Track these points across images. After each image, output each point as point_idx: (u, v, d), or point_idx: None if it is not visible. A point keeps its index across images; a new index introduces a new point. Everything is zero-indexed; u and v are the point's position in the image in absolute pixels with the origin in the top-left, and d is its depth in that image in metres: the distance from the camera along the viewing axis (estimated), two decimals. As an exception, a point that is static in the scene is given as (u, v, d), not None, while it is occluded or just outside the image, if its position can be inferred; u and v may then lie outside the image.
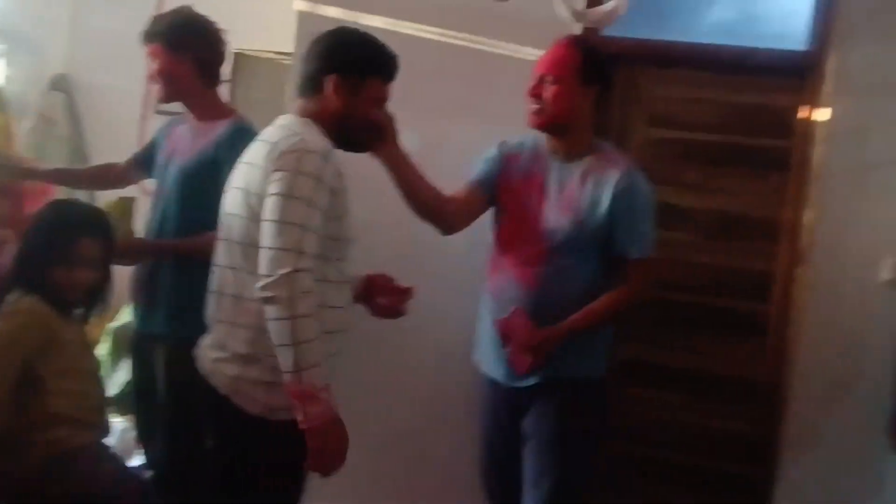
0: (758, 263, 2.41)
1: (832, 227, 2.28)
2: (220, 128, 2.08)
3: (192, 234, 2.02)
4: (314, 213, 1.53)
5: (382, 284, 1.90)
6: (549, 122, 1.93)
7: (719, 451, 2.45)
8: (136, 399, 2.23)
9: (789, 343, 2.34)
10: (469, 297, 2.13)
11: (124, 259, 2.07)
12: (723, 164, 2.42)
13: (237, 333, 1.61)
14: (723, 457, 2.45)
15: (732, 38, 2.40)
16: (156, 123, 2.52)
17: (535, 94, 1.93)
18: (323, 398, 1.50)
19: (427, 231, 2.07)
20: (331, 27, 1.78)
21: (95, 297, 1.99)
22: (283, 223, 1.50)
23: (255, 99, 2.68)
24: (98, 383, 2.03)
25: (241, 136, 1.97)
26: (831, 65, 2.27)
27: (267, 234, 1.52)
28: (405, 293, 1.90)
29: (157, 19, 2.11)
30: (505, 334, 1.89)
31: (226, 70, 2.30)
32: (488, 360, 2.02)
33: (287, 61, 2.56)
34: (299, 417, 1.50)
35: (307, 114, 1.67)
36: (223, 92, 2.34)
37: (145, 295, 2.13)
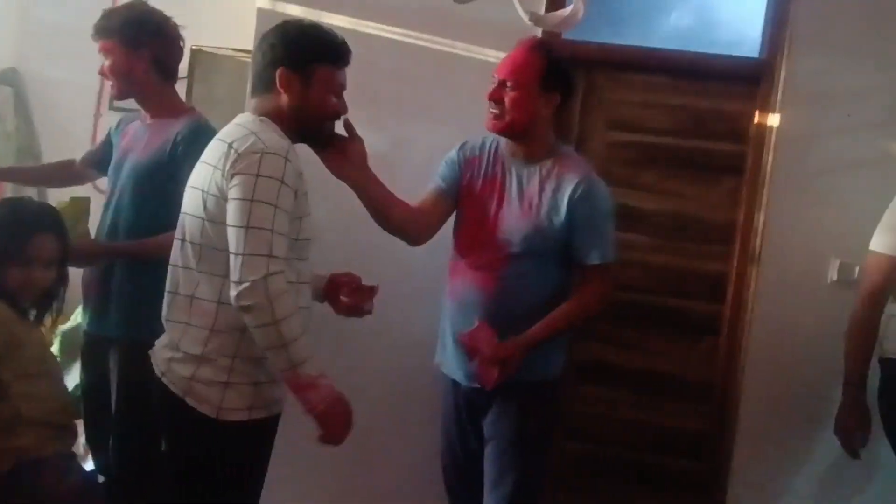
0: (711, 265, 2.46)
1: (783, 229, 2.35)
2: (177, 126, 2.04)
3: (147, 233, 1.99)
4: (280, 214, 1.52)
5: (347, 283, 1.90)
6: (508, 127, 1.93)
7: (673, 449, 2.50)
8: (86, 403, 2.18)
9: (741, 342, 2.40)
10: (431, 297, 2.13)
11: (78, 261, 2.02)
12: (678, 167, 2.47)
13: (191, 334, 1.59)
14: (676, 454, 2.50)
15: (689, 44, 2.45)
16: (110, 119, 2.46)
17: (495, 97, 1.92)
18: (321, 383, 1.53)
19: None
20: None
21: (50, 298, 1.93)
22: (249, 228, 1.49)
23: (214, 96, 2.64)
24: (61, 385, 1.98)
25: (199, 135, 1.94)
26: (782, 73, 2.34)
27: (234, 241, 1.50)
28: (370, 292, 1.90)
29: (110, 14, 2.05)
30: (470, 348, 1.89)
31: (183, 67, 2.26)
32: (448, 362, 2.03)
33: (246, 58, 2.53)
34: (304, 407, 1.52)
35: (263, 112, 1.65)
36: (180, 89, 2.30)
37: (97, 296, 2.08)
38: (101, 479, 2.12)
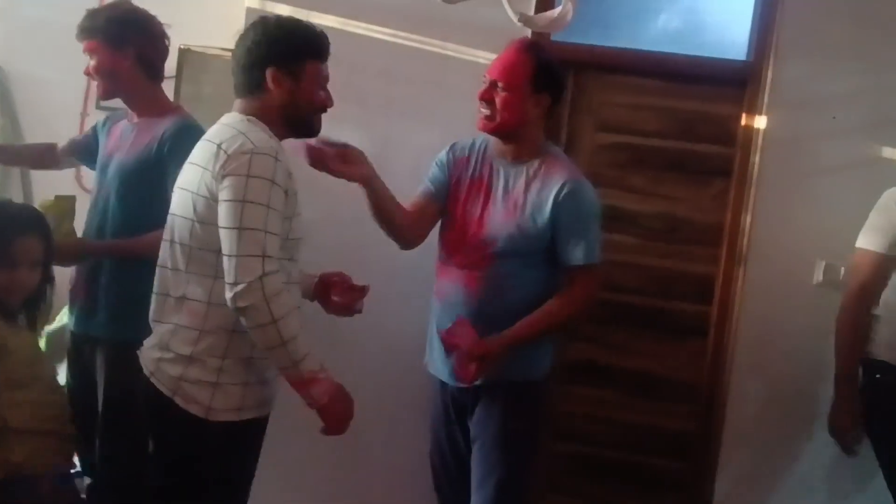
0: (700, 266, 2.48)
1: (769, 231, 2.37)
2: (164, 125, 2.03)
3: (134, 233, 1.97)
4: (272, 214, 1.52)
5: (338, 282, 1.90)
6: (499, 128, 1.93)
7: (660, 448, 2.51)
8: (73, 403, 2.15)
9: (728, 343, 2.42)
10: (421, 298, 2.13)
11: (64, 260, 2.00)
12: (666, 169, 2.49)
13: (181, 334, 1.59)
14: (664, 454, 2.51)
15: (677, 46, 2.47)
16: (96, 118, 2.44)
17: (486, 98, 1.92)
18: (322, 377, 1.54)
19: (376, 231, 2.06)
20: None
21: (38, 300, 1.89)
22: (242, 229, 1.49)
23: (203, 95, 2.62)
24: (55, 391, 1.90)
25: (186, 133, 1.93)
26: (769, 76, 2.36)
27: (227, 242, 1.50)
28: (360, 291, 1.90)
29: (93, 14, 2.03)
30: (450, 343, 1.90)
31: (171, 66, 2.24)
32: (435, 362, 2.03)
33: (235, 58, 2.52)
34: (307, 402, 1.53)
35: (250, 111, 1.64)
36: (168, 88, 2.29)
37: (84, 296, 2.07)
38: (87, 480, 2.10)
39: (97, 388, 2.03)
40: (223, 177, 1.51)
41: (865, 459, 2.15)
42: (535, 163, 1.95)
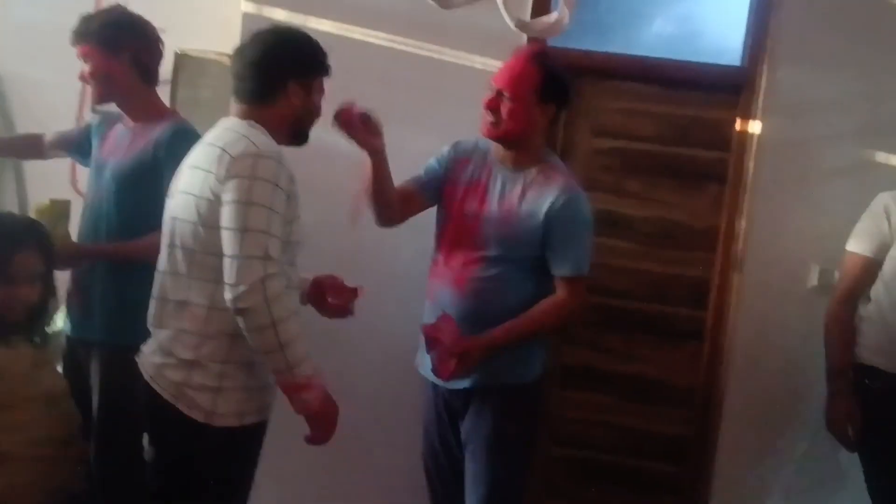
0: (695, 271, 2.49)
1: (764, 236, 2.38)
2: (159, 129, 2.03)
3: (130, 236, 1.97)
4: (274, 217, 1.52)
5: (331, 285, 1.90)
6: (503, 136, 1.94)
7: (657, 453, 2.51)
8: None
9: (724, 347, 2.43)
10: (416, 301, 2.13)
11: (60, 264, 2.00)
12: (662, 174, 2.49)
13: (183, 339, 1.58)
14: (660, 459, 2.52)
15: (672, 52, 2.48)
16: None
17: (492, 107, 1.92)
18: (315, 383, 1.54)
19: (373, 235, 2.07)
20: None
21: (40, 315, 1.83)
22: (246, 230, 1.49)
23: (199, 100, 2.62)
24: (56, 410, 1.78)
25: (182, 138, 1.93)
26: (763, 82, 2.37)
27: (230, 243, 1.50)
28: (353, 292, 1.90)
29: (88, 19, 2.02)
30: (431, 339, 1.90)
31: (167, 70, 2.24)
32: (427, 364, 2.04)
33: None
34: (297, 407, 1.53)
35: (254, 117, 1.65)
36: (164, 92, 2.28)
37: (80, 300, 2.06)
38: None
39: (92, 392, 2.02)
40: (227, 179, 1.52)
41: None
42: (534, 171, 1.96)
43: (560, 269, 1.92)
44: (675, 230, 2.49)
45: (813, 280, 2.35)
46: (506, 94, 1.90)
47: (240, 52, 1.69)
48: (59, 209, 2.08)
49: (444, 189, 2.03)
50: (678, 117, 2.48)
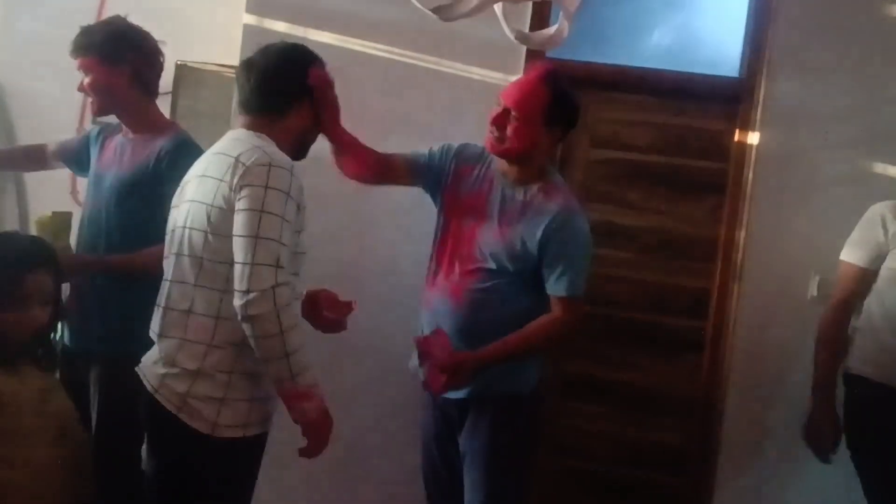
0: (694, 281, 2.49)
1: (764, 246, 2.39)
2: (161, 141, 2.03)
3: (130, 248, 1.97)
4: (286, 226, 1.54)
5: (326, 298, 1.90)
6: (506, 153, 1.94)
7: (657, 464, 2.51)
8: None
9: (724, 358, 2.43)
10: (413, 310, 2.13)
11: (63, 276, 1.99)
12: (661, 184, 2.50)
13: (188, 349, 1.58)
14: (660, 470, 2.51)
15: (670, 63, 2.49)
16: (93, 132, 2.44)
17: (497, 123, 1.91)
18: (315, 394, 1.55)
19: (372, 245, 2.07)
20: (275, 41, 1.78)
21: (48, 336, 1.79)
22: (258, 238, 1.50)
23: (199, 111, 2.63)
24: (62, 440, 1.71)
25: (184, 150, 1.94)
26: (761, 92, 2.38)
27: (242, 250, 1.51)
28: (347, 306, 1.90)
29: (89, 31, 2.02)
30: (424, 351, 1.90)
31: (168, 82, 2.25)
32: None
33: (232, 74, 2.53)
34: (295, 415, 1.54)
35: (263, 130, 1.66)
36: (164, 103, 2.29)
37: (79, 311, 2.06)
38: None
39: (91, 403, 2.01)
40: (241, 187, 1.53)
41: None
42: (535, 188, 1.95)
43: (555, 289, 1.92)
44: (674, 240, 2.50)
45: (812, 290, 2.35)
46: (513, 112, 1.89)
47: (250, 64, 1.70)
48: (61, 221, 2.08)
49: (443, 192, 2.03)
50: (677, 128, 2.49)
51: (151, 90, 2.10)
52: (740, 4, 2.48)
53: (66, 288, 2.10)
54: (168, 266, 1.66)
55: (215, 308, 1.56)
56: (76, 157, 2.22)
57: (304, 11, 2.43)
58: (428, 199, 2.09)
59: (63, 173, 2.42)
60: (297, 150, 1.72)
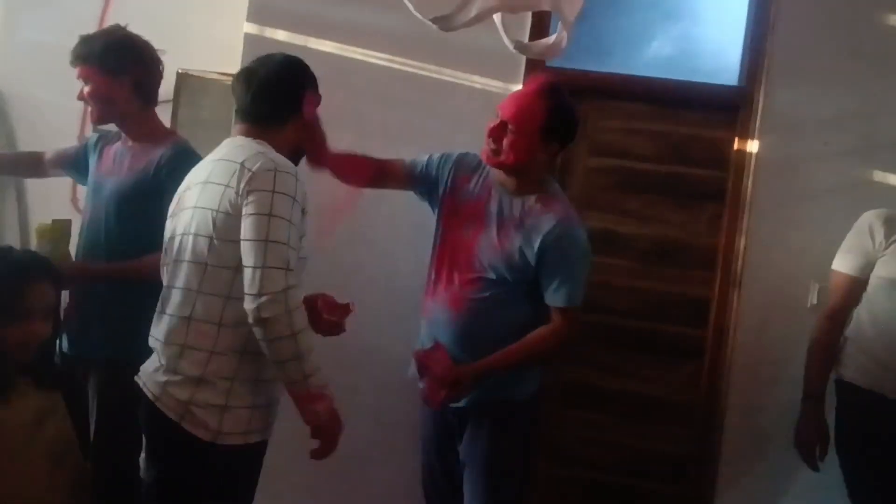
0: (694, 289, 2.49)
1: (763, 254, 2.39)
2: (161, 149, 2.03)
3: (131, 255, 1.97)
4: (293, 230, 1.55)
5: (323, 301, 1.90)
6: (502, 166, 1.94)
7: (657, 472, 2.50)
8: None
9: (724, 366, 2.42)
10: (412, 317, 2.13)
11: (63, 284, 2.00)
12: (660, 193, 2.50)
13: (190, 356, 1.58)
14: (660, 478, 2.50)
15: (670, 72, 2.50)
16: (93, 140, 2.45)
17: (494, 135, 1.91)
18: (326, 395, 1.56)
19: (372, 252, 2.07)
20: (277, 50, 1.79)
21: (49, 352, 1.77)
22: (268, 241, 1.51)
23: (200, 120, 2.64)
24: (56, 466, 1.66)
25: (184, 159, 1.94)
26: (761, 101, 2.39)
27: (252, 254, 1.52)
28: (346, 309, 1.90)
29: (88, 41, 2.03)
30: (423, 366, 1.90)
31: (168, 90, 2.26)
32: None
33: (233, 82, 2.54)
34: (308, 417, 1.55)
35: (262, 138, 1.67)
36: (165, 112, 2.30)
37: (77, 318, 2.06)
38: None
39: (89, 410, 2.01)
40: (248, 192, 1.55)
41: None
42: (532, 198, 1.95)
43: (553, 300, 1.92)
44: (673, 249, 2.50)
45: (813, 298, 2.35)
46: (510, 126, 1.89)
47: (250, 73, 1.71)
48: (61, 229, 2.08)
49: (442, 201, 2.03)
50: (676, 136, 2.49)
51: (151, 99, 2.10)
52: (740, 13, 2.49)
53: (64, 295, 2.11)
54: (168, 273, 1.66)
55: (217, 314, 1.57)
56: (75, 165, 2.22)
57: (304, 20, 2.44)
58: (426, 206, 2.09)
59: (63, 181, 2.42)
60: (292, 159, 1.73)
